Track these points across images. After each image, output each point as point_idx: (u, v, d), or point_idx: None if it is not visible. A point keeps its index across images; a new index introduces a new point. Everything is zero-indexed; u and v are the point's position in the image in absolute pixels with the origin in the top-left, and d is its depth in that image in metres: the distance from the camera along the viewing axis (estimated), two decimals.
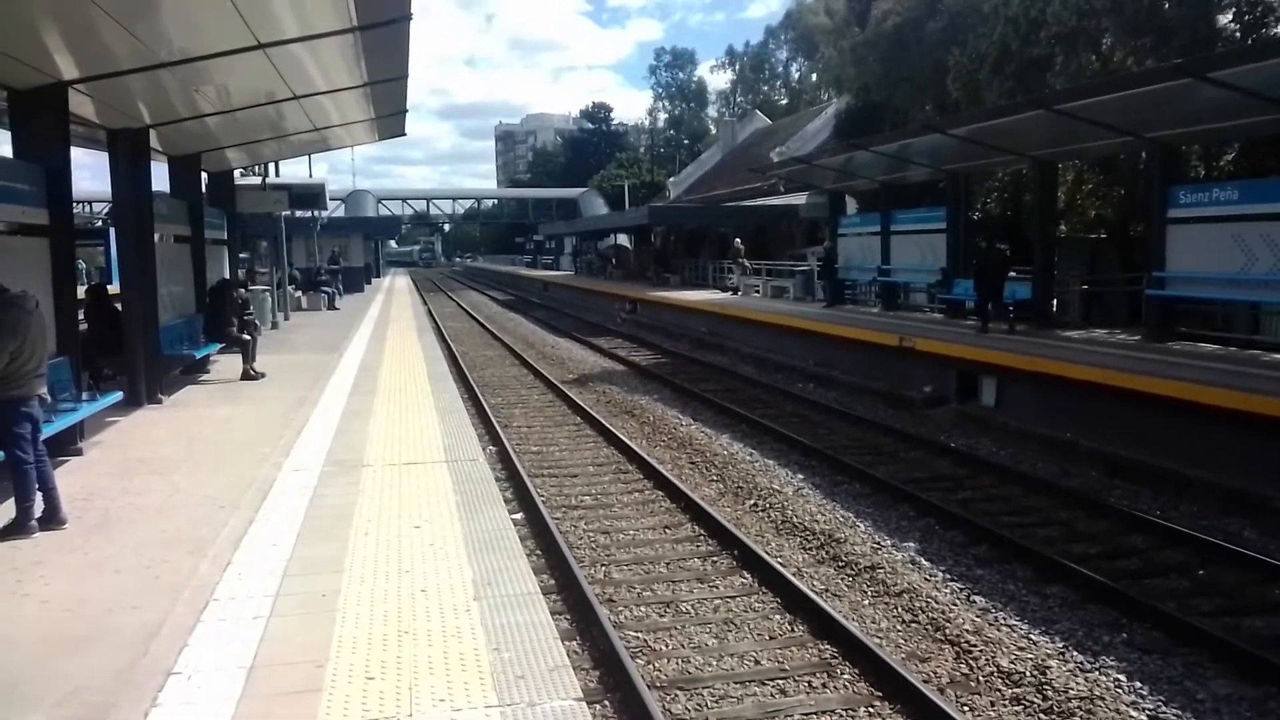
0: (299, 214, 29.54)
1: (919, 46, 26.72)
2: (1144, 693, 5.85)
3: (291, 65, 10.37)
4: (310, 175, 29.80)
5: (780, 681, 6.05)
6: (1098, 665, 6.20)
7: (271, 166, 24.27)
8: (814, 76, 74.75)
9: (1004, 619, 6.97)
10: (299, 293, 27.50)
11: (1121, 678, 6.02)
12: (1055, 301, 18.45)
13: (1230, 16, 19.35)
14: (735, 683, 6.04)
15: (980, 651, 6.36)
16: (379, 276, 54.85)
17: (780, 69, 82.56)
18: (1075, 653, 6.38)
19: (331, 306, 27.84)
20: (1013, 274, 17.63)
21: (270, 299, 21.99)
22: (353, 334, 20.01)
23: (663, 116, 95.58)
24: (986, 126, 16.60)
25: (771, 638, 6.73)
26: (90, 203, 58.99)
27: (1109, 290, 22.48)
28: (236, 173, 21.13)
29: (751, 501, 10.23)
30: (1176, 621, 6.79)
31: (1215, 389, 10.44)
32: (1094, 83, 16.77)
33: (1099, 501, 9.95)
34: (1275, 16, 18.97)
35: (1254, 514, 9.22)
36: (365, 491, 7.33)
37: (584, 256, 59.97)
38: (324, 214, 33.58)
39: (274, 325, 21.35)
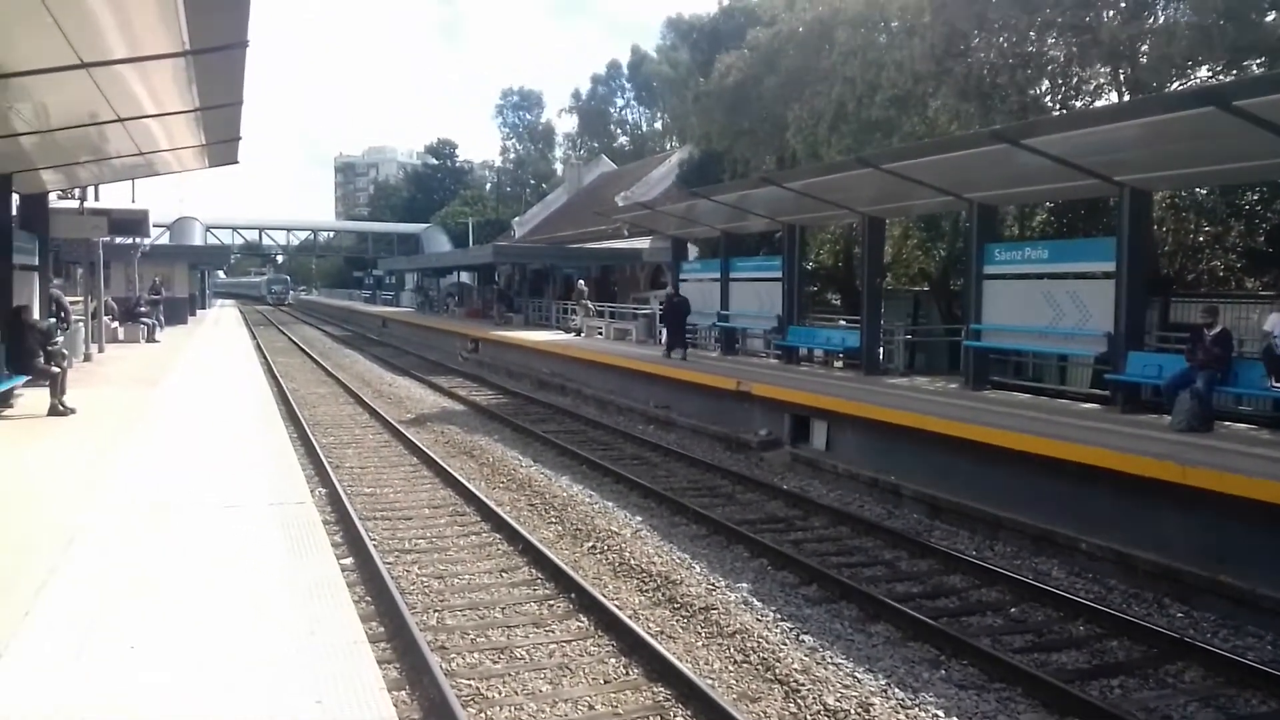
0: (119, 240, 27.90)
1: (759, 101, 27.68)
2: None
3: (117, 87, 9.83)
4: (134, 200, 28.24)
5: None
6: (917, 701, 6.43)
7: (92, 190, 22.90)
8: (658, 124, 76.44)
9: (831, 658, 7.16)
10: (116, 324, 25.93)
11: (940, 714, 6.26)
12: (881, 350, 19.27)
13: (1045, 87, 20.90)
14: None
15: (808, 690, 6.50)
16: (204, 308, 52.38)
17: (621, 114, 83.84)
18: (897, 690, 6.61)
19: (151, 339, 26.37)
20: (690, 322, 23.15)
21: (83, 329, 20.63)
22: (173, 368, 18.97)
23: (510, 156, 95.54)
24: (820, 182, 17.33)
25: (606, 682, 6.70)
26: None
27: (931, 340, 23.71)
28: (52, 195, 19.83)
29: (590, 544, 10.20)
30: (991, 658, 7.14)
31: (1026, 435, 11.10)
32: (919, 145, 17.73)
33: (921, 542, 10.40)
34: (1085, 90, 20.59)
35: (1062, 554, 9.82)
36: (179, 538, 6.90)
37: (426, 293, 59.00)
38: (146, 241, 31.81)
39: (87, 358, 20.03)
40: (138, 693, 4.34)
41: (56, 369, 12.83)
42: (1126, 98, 18.23)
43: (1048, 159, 12.71)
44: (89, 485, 8.45)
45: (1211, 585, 8.38)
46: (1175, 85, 17.23)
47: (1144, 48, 17.64)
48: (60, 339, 14.24)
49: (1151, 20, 17.98)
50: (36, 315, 15.10)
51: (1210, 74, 17.02)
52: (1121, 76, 18.62)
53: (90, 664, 4.65)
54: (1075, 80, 20.37)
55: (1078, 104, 20.16)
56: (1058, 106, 20.25)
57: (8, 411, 12.75)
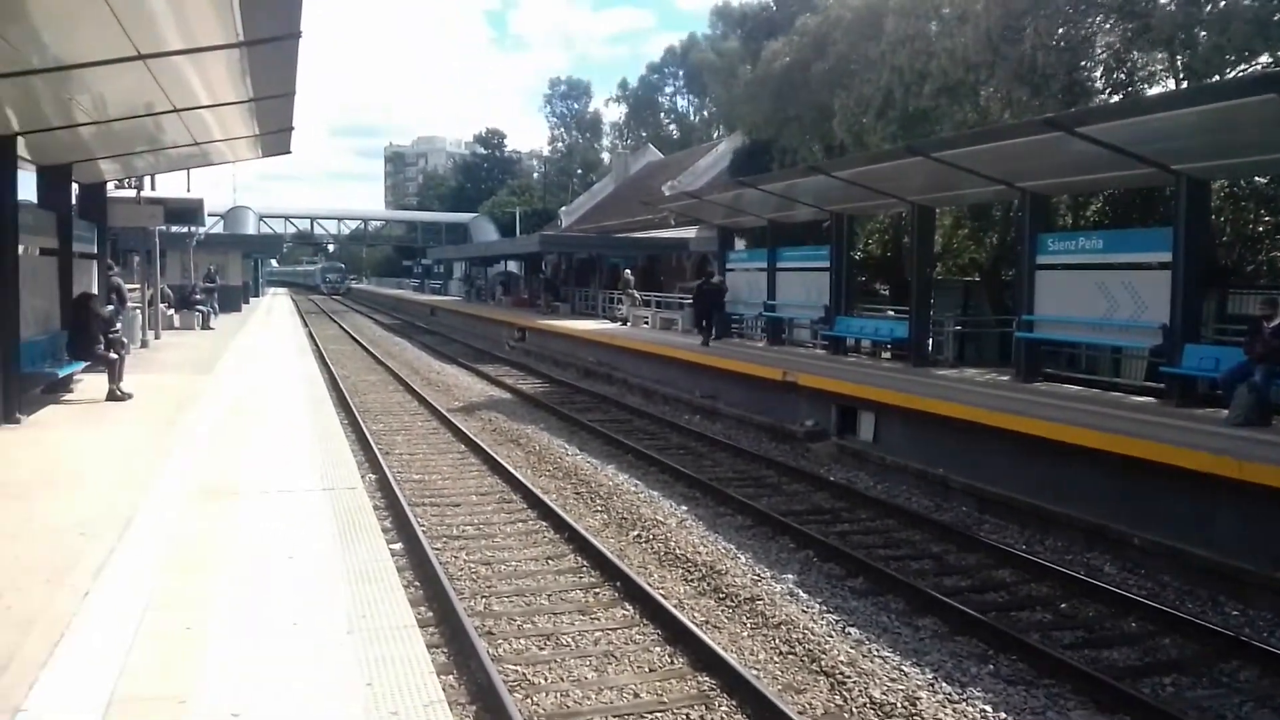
0: (175, 229, 28.45)
1: (806, 89, 27.46)
2: None
3: (173, 77, 10.00)
4: (189, 190, 28.81)
5: (658, 714, 6.05)
6: (965, 696, 6.39)
7: (148, 179, 23.36)
8: (705, 113, 76.19)
9: (877, 650, 7.13)
10: (171, 311, 26.46)
11: (988, 709, 6.21)
12: (931, 341, 19.07)
13: (1099, 73, 20.51)
14: (614, 716, 6.02)
15: (854, 683, 6.48)
16: (257, 296, 53.25)
17: (670, 103, 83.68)
18: (944, 684, 6.57)
19: (206, 326, 26.88)
20: (727, 301, 23.72)
21: (140, 316, 21.09)
22: (227, 355, 19.33)
23: (557, 146, 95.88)
24: (868, 170, 17.16)
25: (651, 670, 6.74)
26: None
27: (981, 331, 23.42)
28: (110, 185, 20.26)
29: (635, 532, 10.24)
30: (1040, 653, 7.07)
31: (1078, 428, 10.94)
32: (970, 133, 17.51)
33: (969, 535, 10.31)
34: (1139, 76, 20.16)
35: (1114, 549, 9.68)
36: (233, 521, 7.05)
37: (473, 282, 59.46)
38: (201, 230, 32.43)
39: (144, 344, 20.47)
40: (193, 674, 4.45)
41: (115, 355, 13.14)
42: (1184, 85, 17.84)
43: (1102, 147, 12.47)
44: (146, 469, 8.65)
45: (1269, 583, 8.22)
46: (1233, 73, 16.82)
47: (1201, 34, 17.23)
48: (120, 326, 14.55)
49: (1210, 7, 17.57)
50: None
51: (1271, 61, 16.59)
52: (1179, 63, 18.21)
53: (147, 645, 4.77)
54: (1129, 66, 19.98)
55: (1132, 91, 19.77)
56: (1110, 93, 19.86)
57: (67, 396, 13.10)
